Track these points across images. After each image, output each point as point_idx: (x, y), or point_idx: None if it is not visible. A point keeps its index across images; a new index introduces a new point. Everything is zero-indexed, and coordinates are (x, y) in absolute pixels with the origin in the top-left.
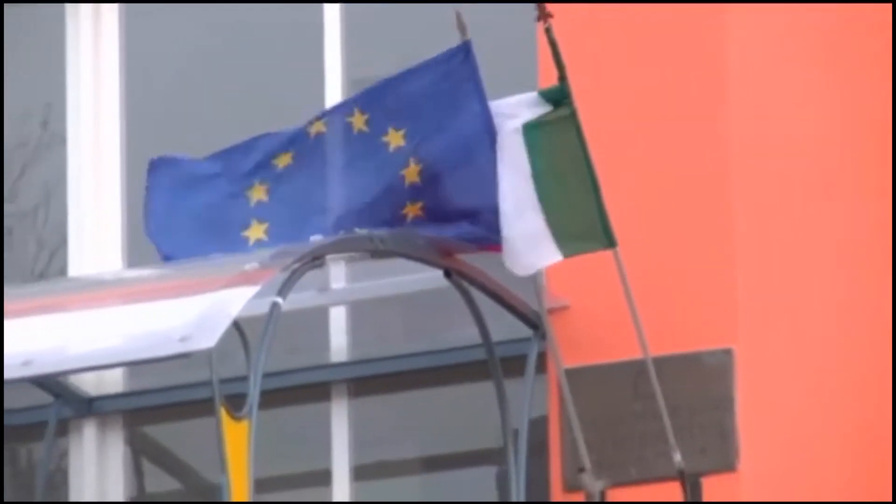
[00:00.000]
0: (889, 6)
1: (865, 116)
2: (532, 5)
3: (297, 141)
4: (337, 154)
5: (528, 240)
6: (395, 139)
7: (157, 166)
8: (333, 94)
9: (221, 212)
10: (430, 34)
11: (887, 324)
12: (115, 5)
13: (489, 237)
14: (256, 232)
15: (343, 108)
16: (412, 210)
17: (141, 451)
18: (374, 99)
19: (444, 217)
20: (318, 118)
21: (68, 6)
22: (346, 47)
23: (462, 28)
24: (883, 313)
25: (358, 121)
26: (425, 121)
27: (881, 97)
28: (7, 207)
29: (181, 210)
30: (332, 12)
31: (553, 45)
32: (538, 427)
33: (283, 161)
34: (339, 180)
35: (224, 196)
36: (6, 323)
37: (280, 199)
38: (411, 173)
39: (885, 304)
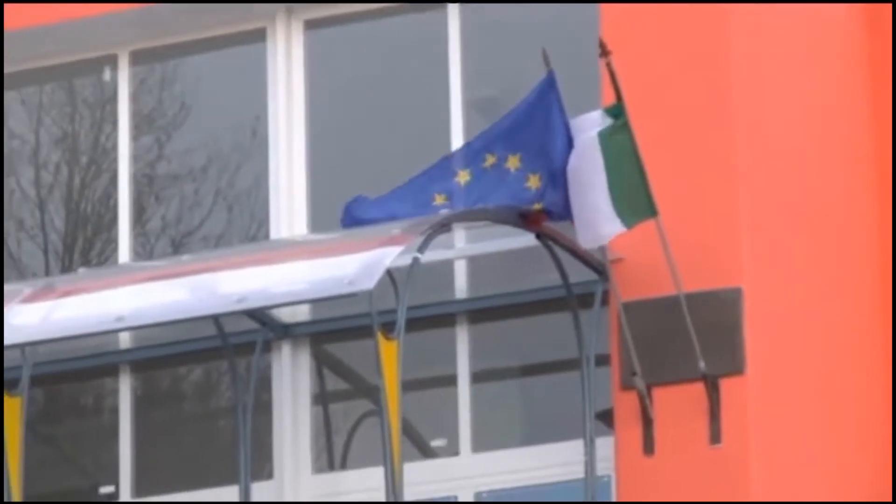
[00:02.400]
0: (889, 6)
1: (863, 87)
2: (596, 44)
3: (465, 169)
4: (484, 186)
5: (598, 219)
6: (513, 162)
7: (348, 210)
8: (456, 111)
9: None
10: (532, 60)
11: (877, 264)
12: (301, 46)
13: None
14: None
15: (478, 153)
16: (537, 207)
17: (322, 363)
18: (496, 138)
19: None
20: (466, 161)
21: (269, 46)
22: (465, 74)
23: (547, 61)
24: (872, 256)
25: (489, 160)
26: (531, 142)
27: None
28: (228, 192)
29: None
30: (454, 34)
31: (612, 74)
32: (602, 343)
33: (463, 177)
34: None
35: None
36: (227, 272)
37: (453, 203)
38: (534, 181)
39: (876, 247)
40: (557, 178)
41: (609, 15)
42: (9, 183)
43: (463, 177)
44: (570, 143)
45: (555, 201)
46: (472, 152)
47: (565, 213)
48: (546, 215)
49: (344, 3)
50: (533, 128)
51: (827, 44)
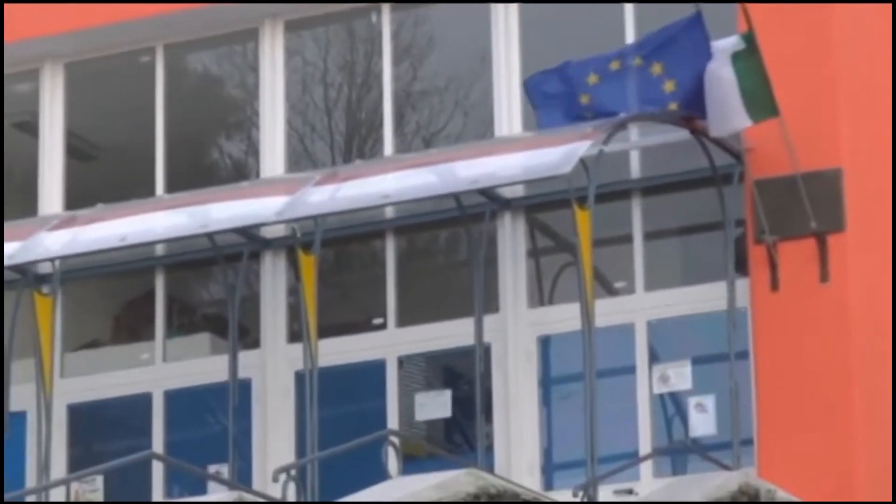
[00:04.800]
0: (889, 6)
1: None
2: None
3: (618, 60)
4: (628, 79)
5: (732, 115)
6: (656, 69)
7: (532, 82)
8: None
9: (569, 89)
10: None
11: None
12: (515, 24)
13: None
14: (585, 99)
15: (630, 54)
16: (672, 106)
17: (534, 227)
18: (647, 47)
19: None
20: (621, 57)
21: (493, 26)
22: (637, 10)
23: (697, 6)
24: None
25: (637, 61)
26: (677, 56)
27: None
28: (464, 102)
29: (550, 95)
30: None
31: (745, 10)
32: (740, 210)
33: (614, 65)
34: (627, 89)
35: (571, 81)
36: (464, 161)
37: (602, 85)
38: (670, 85)
39: None
40: (695, 85)
41: None
42: (304, 98)
43: (615, 65)
44: (709, 59)
45: (690, 102)
46: (625, 52)
47: (699, 110)
48: (690, 115)
49: None
50: (679, 46)
51: None
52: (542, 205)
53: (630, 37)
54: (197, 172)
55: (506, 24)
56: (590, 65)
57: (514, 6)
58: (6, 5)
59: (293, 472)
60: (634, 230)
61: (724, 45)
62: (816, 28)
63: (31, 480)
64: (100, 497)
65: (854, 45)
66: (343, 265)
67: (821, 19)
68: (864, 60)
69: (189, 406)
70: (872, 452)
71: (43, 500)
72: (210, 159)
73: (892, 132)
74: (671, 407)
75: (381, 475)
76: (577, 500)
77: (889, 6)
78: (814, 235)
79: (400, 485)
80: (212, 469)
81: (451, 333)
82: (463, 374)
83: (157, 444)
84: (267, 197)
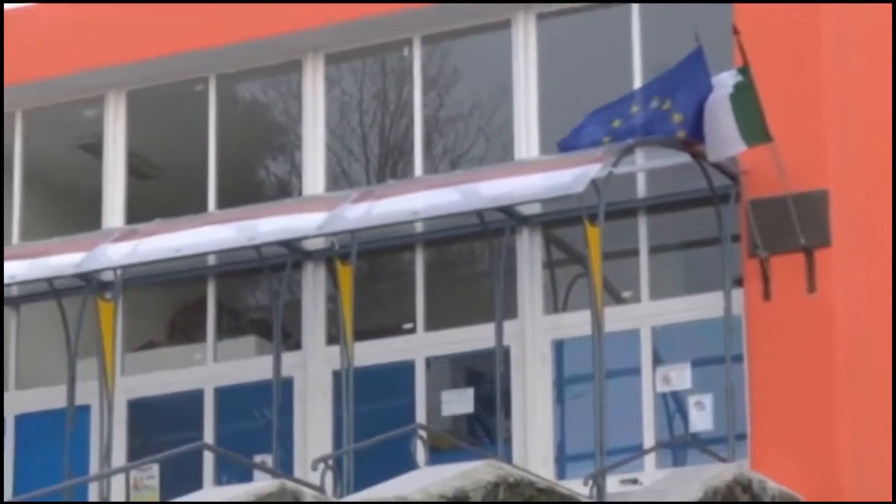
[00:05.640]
0: (889, 6)
1: None
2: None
3: (637, 104)
4: (646, 118)
5: (728, 141)
6: (666, 105)
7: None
8: (637, 74)
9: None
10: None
11: None
12: (535, 30)
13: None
14: (607, 140)
15: (647, 96)
16: (681, 135)
17: (549, 241)
18: (656, 86)
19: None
20: (639, 100)
21: (513, 31)
22: (644, 45)
23: (697, 39)
24: None
25: (655, 102)
26: (682, 91)
27: None
28: (486, 128)
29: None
30: (636, 23)
31: (741, 46)
32: (735, 227)
33: (635, 109)
34: (643, 124)
35: (596, 130)
36: (486, 182)
37: (623, 128)
38: (677, 118)
39: None
40: (697, 115)
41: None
42: (342, 124)
43: (635, 108)
44: (710, 90)
45: (693, 129)
46: (644, 95)
47: (700, 137)
48: (693, 141)
49: (564, 3)
50: (683, 82)
51: None
52: (557, 221)
53: (637, 69)
54: (245, 190)
55: (525, 57)
56: (612, 111)
57: (532, 41)
58: (71, 39)
59: (331, 462)
60: (640, 245)
61: (723, 78)
62: (805, 64)
63: (94, 468)
64: (156, 483)
65: (840, 78)
66: (377, 275)
67: (809, 56)
68: (850, 93)
69: (237, 402)
70: (854, 445)
71: (104, 485)
72: (257, 178)
73: (874, 157)
74: (672, 405)
75: (409, 465)
76: (587, 488)
77: (879, 33)
78: (802, 250)
79: (427, 474)
80: (257, 459)
81: (474, 337)
82: (484, 374)
83: (208, 435)
84: (308, 213)
